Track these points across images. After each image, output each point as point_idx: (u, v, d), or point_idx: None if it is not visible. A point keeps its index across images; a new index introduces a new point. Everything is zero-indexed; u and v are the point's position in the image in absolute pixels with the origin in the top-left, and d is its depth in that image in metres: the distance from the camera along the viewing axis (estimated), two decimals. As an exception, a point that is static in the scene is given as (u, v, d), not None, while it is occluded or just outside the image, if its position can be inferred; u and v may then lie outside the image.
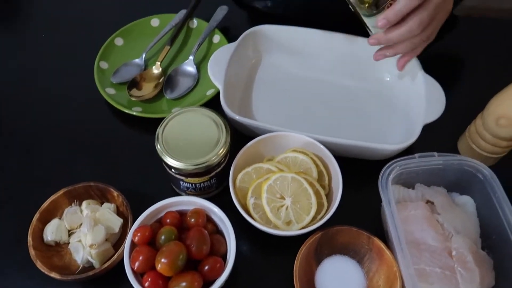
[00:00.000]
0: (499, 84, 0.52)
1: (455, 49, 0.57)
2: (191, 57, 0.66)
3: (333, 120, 0.61)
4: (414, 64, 0.60)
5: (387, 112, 0.62)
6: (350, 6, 0.50)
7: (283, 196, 0.47)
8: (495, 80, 0.55)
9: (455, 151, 0.59)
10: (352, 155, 0.56)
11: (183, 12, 0.71)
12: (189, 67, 0.65)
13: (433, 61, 0.58)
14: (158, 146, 0.48)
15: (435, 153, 0.50)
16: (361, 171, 0.55)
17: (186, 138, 0.49)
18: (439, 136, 0.59)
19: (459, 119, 0.59)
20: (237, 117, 0.54)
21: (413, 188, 0.53)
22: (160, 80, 0.64)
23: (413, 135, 0.53)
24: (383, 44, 0.52)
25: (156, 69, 0.65)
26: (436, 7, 0.48)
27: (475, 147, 0.56)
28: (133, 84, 0.62)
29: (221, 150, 0.48)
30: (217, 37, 0.69)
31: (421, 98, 0.56)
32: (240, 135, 0.56)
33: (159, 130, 0.49)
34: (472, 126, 0.57)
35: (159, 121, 0.51)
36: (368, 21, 0.50)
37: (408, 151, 0.53)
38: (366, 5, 0.48)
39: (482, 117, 0.54)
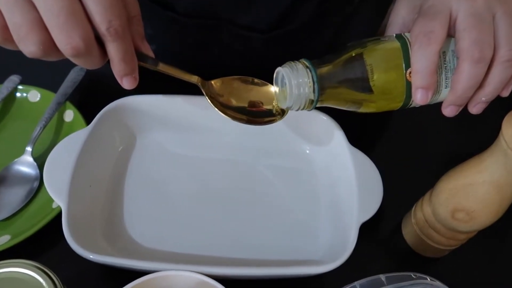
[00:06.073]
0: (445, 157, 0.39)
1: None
2: (28, 148, 0.45)
3: (241, 228, 0.43)
4: (337, 134, 0.45)
5: (311, 200, 0.46)
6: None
7: None
8: (442, 151, 0.42)
9: (401, 236, 0.46)
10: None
11: (14, 80, 0.50)
12: (24, 166, 0.44)
13: (359, 130, 0.43)
14: None
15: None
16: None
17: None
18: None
19: (400, 203, 0.46)
20: (91, 256, 0.35)
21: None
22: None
23: (348, 245, 0.37)
24: (463, 104, 0.36)
25: (-29, 175, 0.43)
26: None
27: (426, 238, 0.43)
28: None
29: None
30: (70, 114, 0.49)
31: (350, 183, 0.42)
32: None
33: None
34: (418, 212, 0.43)
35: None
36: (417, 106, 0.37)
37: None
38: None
39: (430, 204, 0.41)
